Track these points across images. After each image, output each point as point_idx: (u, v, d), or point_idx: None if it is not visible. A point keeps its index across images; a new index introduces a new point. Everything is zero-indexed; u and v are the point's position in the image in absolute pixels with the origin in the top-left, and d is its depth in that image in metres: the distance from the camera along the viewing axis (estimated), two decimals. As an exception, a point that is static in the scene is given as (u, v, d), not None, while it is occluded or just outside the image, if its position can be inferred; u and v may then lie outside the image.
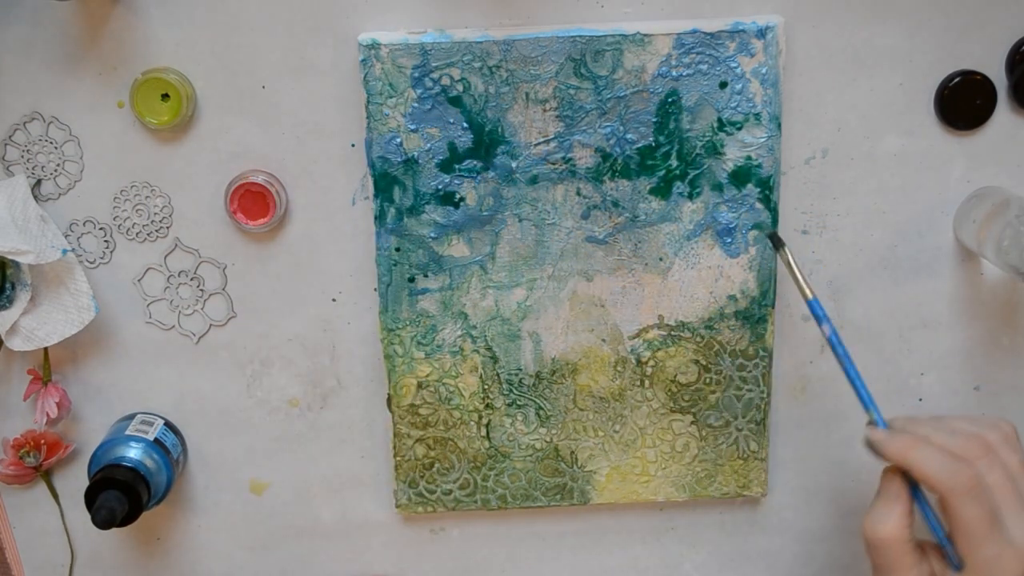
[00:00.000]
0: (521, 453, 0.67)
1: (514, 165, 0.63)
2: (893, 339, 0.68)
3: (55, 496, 0.69)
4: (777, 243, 0.62)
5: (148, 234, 0.65)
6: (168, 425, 0.67)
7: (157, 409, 0.68)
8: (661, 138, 0.62)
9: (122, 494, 0.61)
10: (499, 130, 0.62)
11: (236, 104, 0.63)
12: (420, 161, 0.62)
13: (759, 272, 0.65)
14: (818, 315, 0.60)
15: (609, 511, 0.70)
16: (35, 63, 0.62)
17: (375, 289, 0.65)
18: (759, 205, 0.63)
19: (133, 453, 0.64)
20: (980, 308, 0.67)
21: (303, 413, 0.68)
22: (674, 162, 0.63)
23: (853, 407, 0.68)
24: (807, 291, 0.60)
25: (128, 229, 0.65)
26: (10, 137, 0.64)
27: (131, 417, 0.67)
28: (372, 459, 0.69)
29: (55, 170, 0.64)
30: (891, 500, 0.56)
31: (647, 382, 0.66)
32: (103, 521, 0.61)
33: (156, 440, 0.65)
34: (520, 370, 0.66)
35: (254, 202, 0.63)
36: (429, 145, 0.62)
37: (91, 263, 0.65)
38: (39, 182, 0.64)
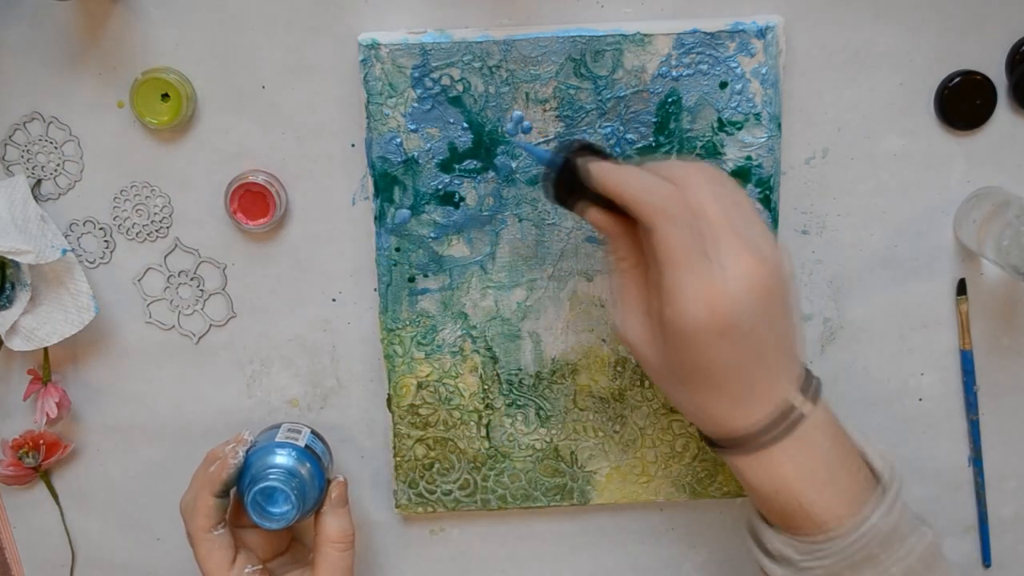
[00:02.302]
0: (521, 453, 0.67)
1: (514, 165, 0.63)
2: (893, 339, 0.68)
3: (55, 496, 0.69)
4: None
5: (148, 234, 0.65)
6: (315, 433, 0.66)
7: (157, 409, 0.68)
8: (661, 138, 0.62)
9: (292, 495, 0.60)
10: (499, 130, 0.62)
11: (236, 104, 0.63)
12: (420, 161, 0.62)
13: (759, 272, 0.65)
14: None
15: (609, 511, 0.70)
16: (35, 63, 0.62)
17: (375, 289, 0.65)
18: (759, 205, 0.63)
19: (285, 460, 0.61)
20: (980, 308, 0.67)
21: (303, 413, 0.68)
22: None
23: (853, 407, 0.69)
24: None
25: (128, 229, 0.65)
26: (10, 137, 0.64)
27: (277, 426, 0.65)
28: (372, 459, 0.69)
29: (55, 170, 0.64)
30: (626, 297, 0.55)
31: (647, 382, 0.66)
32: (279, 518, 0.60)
33: (307, 447, 0.63)
34: (520, 370, 0.66)
35: (254, 202, 0.63)
36: (429, 145, 0.62)
37: (91, 263, 0.65)
38: (39, 182, 0.64)
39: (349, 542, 0.62)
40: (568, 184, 0.56)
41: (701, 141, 0.62)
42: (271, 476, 0.60)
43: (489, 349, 0.66)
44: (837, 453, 0.55)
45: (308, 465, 0.62)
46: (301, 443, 0.63)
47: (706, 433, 0.56)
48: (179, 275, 0.66)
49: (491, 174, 0.63)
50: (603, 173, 0.54)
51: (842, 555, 0.54)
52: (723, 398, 0.53)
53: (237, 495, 0.62)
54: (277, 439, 0.63)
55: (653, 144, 0.62)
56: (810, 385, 0.55)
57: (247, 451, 0.62)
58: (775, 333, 0.52)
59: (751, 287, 0.50)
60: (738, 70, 0.61)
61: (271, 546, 0.65)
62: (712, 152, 0.63)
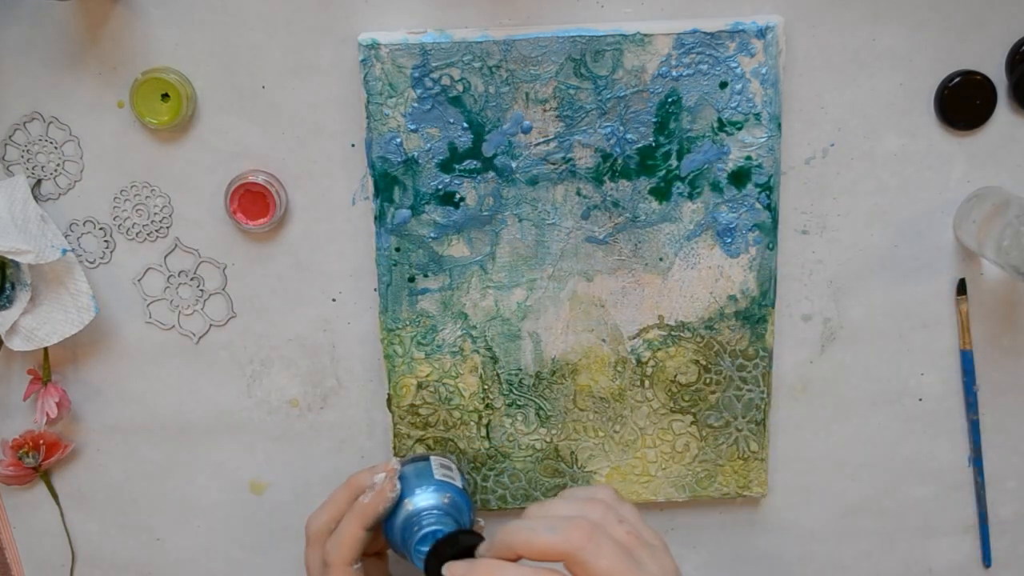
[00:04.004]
0: (521, 453, 0.67)
1: (514, 165, 0.63)
2: (893, 339, 0.68)
3: (55, 496, 0.69)
4: None
5: (148, 234, 0.65)
6: (457, 467, 0.64)
7: (157, 409, 0.68)
8: (661, 138, 0.62)
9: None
10: (499, 130, 0.62)
11: (236, 104, 0.63)
12: (420, 161, 0.62)
13: (759, 272, 0.65)
14: None
15: (609, 511, 0.70)
16: (35, 63, 0.62)
17: (375, 289, 0.65)
18: (759, 205, 0.63)
19: (448, 500, 0.59)
20: (980, 308, 0.67)
21: (303, 413, 0.68)
22: (674, 162, 0.63)
23: (853, 407, 0.69)
24: None
25: (128, 229, 0.65)
26: (10, 137, 0.64)
27: (424, 458, 0.63)
28: (372, 459, 0.69)
29: (55, 170, 0.64)
30: None
31: (647, 382, 0.66)
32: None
33: (463, 488, 0.61)
34: (520, 370, 0.66)
35: (254, 202, 0.63)
36: (429, 145, 0.62)
37: (91, 263, 0.65)
38: (39, 182, 0.64)
39: None
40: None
41: (701, 141, 0.62)
42: (439, 520, 0.58)
43: (489, 349, 0.66)
44: None
45: (464, 507, 0.60)
46: (459, 483, 0.61)
47: None
48: (179, 275, 0.66)
49: (491, 174, 0.63)
50: (500, 546, 0.51)
51: None
52: None
53: (383, 528, 0.60)
54: (436, 477, 0.60)
55: (653, 144, 0.62)
56: None
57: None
58: None
59: None
60: (738, 70, 0.61)
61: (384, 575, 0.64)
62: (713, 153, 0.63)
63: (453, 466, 0.63)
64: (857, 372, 0.68)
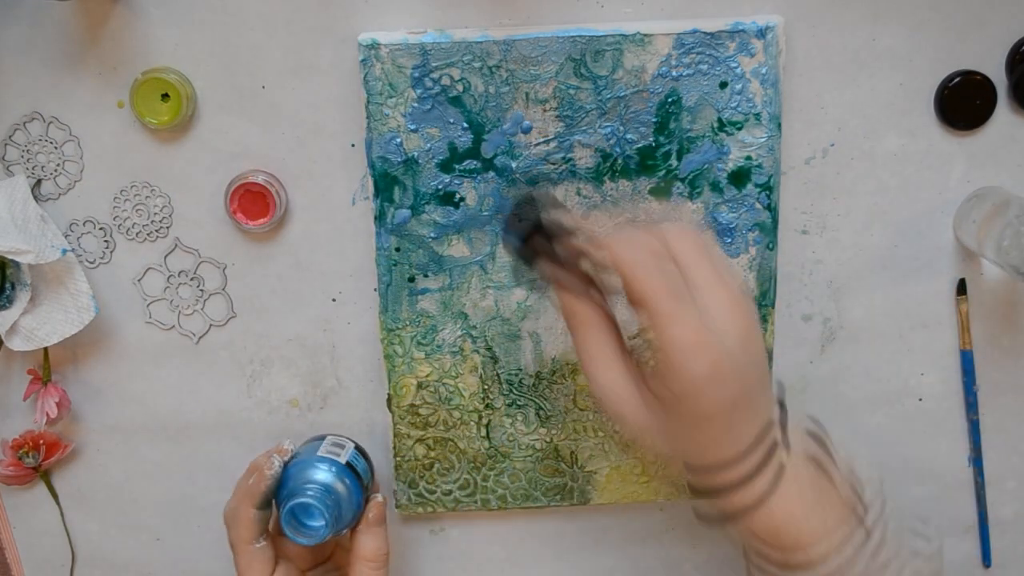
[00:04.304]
0: (521, 453, 0.67)
1: (514, 165, 0.63)
2: (893, 339, 0.68)
3: (55, 496, 0.69)
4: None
5: (148, 234, 0.65)
6: (358, 449, 0.65)
7: (157, 409, 0.68)
8: (661, 138, 0.62)
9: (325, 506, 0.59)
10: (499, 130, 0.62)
11: (236, 104, 0.63)
12: (420, 161, 0.62)
13: (759, 272, 0.65)
14: None
15: (609, 511, 0.70)
16: (35, 63, 0.62)
17: (375, 289, 0.65)
18: (759, 205, 0.63)
19: (323, 476, 0.60)
20: (980, 308, 0.67)
21: (303, 413, 0.68)
22: (674, 162, 0.63)
23: (853, 407, 0.69)
24: None
25: (128, 229, 0.65)
26: (10, 137, 0.64)
27: (321, 438, 0.64)
28: (372, 459, 0.69)
29: (55, 170, 0.64)
30: (593, 357, 0.53)
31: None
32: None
33: (348, 464, 0.62)
34: (520, 370, 0.66)
35: (254, 202, 0.63)
36: (429, 145, 0.62)
37: (91, 263, 0.65)
38: (39, 182, 0.64)
39: (383, 561, 0.62)
40: (519, 235, 0.55)
41: (701, 141, 0.62)
42: (308, 492, 0.59)
43: (489, 349, 0.66)
44: (819, 487, 0.55)
45: (347, 482, 0.61)
46: (343, 459, 0.62)
47: (692, 471, 0.55)
48: (179, 275, 0.66)
49: (491, 174, 0.63)
50: (575, 242, 0.53)
51: None
52: (711, 439, 0.52)
53: (276, 506, 0.61)
54: (319, 453, 0.62)
55: (653, 144, 0.62)
56: (783, 414, 0.55)
57: (287, 462, 0.61)
58: (759, 372, 0.52)
59: (741, 334, 0.50)
60: (738, 70, 0.61)
61: (312, 556, 0.65)
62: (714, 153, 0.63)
63: (348, 444, 0.64)
64: (857, 372, 0.68)
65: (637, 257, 0.50)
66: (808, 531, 0.53)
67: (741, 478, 0.52)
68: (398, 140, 0.62)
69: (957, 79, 0.63)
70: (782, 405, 0.56)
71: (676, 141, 0.62)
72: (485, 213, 0.63)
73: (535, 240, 0.55)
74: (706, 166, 0.63)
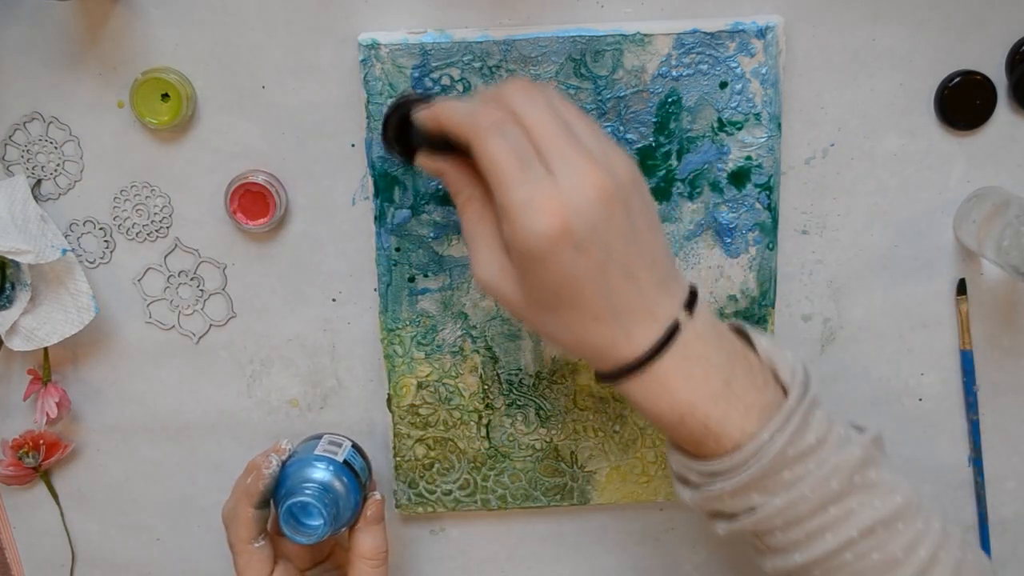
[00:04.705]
0: (521, 453, 0.67)
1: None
2: (893, 339, 0.68)
3: (55, 496, 0.69)
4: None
5: (148, 234, 0.65)
6: (356, 447, 0.64)
7: (157, 409, 0.68)
8: (661, 138, 0.62)
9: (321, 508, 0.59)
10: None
11: (236, 104, 0.63)
12: (420, 161, 0.62)
13: (759, 272, 0.65)
14: None
15: (609, 511, 0.70)
16: (35, 63, 0.62)
17: (375, 289, 0.65)
18: (759, 205, 0.63)
19: (321, 475, 0.60)
20: (980, 308, 0.67)
21: (303, 413, 0.68)
22: (674, 162, 0.63)
23: (853, 407, 0.69)
24: None
25: (128, 229, 0.65)
26: (10, 137, 0.64)
27: (318, 437, 0.64)
28: (372, 459, 0.69)
29: (55, 170, 0.64)
30: (477, 236, 0.52)
31: (647, 382, 0.66)
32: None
33: (345, 462, 0.62)
34: (520, 370, 0.66)
35: (254, 202, 0.63)
36: (429, 145, 0.62)
37: (91, 263, 0.65)
38: (39, 182, 0.64)
39: (382, 559, 0.61)
40: (405, 139, 0.56)
41: (701, 142, 0.62)
42: (306, 490, 0.59)
43: (489, 349, 0.66)
44: (730, 365, 0.51)
45: (345, 480, 0.61)
46: (340, 458, 0.62)
47: (597, 368, 0.52)
48: (179, 275, 0.66)
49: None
50: (428, 112, 0.53)
51: (735, 475, 0.50)
52: (596, 322, 0.50)
53: (274, 505, 0.61)
54: (316, 452, 0.62)
55: (653, 144, 0.62)
56: (692, 301, 0.51)
57: (285, 461, 0.61)
58: (640, 247, 0.49)
59: (594, 196, 0.47)
60: (738, 70, 0.61)
61: (311, 554, 0.65)
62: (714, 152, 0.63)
63: (346, 443, 0.64)
64: (857, 372, 0.68)
65: (480, 124, 0.49)
66: (730, 418, 0.50)
67: (640, 364, 0.50)
68: (398, 140, 0.62)
69: (957, 79, 0.63)
70: (694, 293, 0.52)
71: (676, 141, 0.62)
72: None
73: (410, 136, 0.55)
74: (706, 166, 0.63)
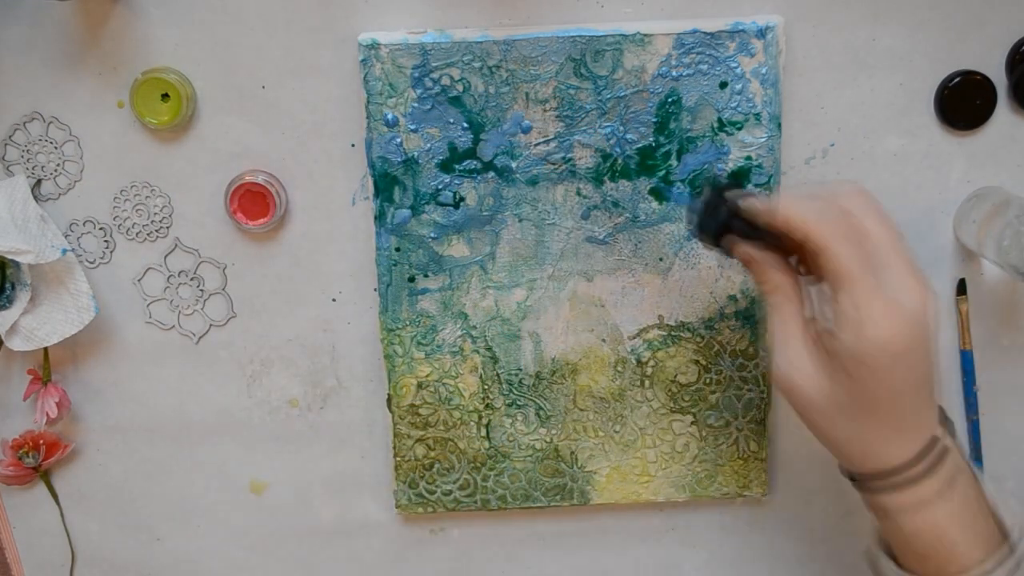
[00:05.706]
0: (521, 453, 0.67)
1: (514, 165, 0.63)
2: (893, 339, 0.68)
3: (55, 496, 0.69)
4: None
5: (148, 234, 0.65)
6: None
7: (157, 409, 0.68)
8: (661, 138, 0.62)
9: None
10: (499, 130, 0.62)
11: (236, 104, 0.63)
12: (420, 161, 0.62)
13: (759, 272, 0.65)
14: None
15: (609, 511, 0.70)
16: (35, 63, 0.62)
17: (375, 289, 0.65)
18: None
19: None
20: (980, 308, 0.67)
21: (303, 413, 0.68)
22: (674, 162, 0.63)
23: (853, 407, 0.69)
24: None
25: (128, 229, 0.65)
26: (10, 137, 0.64)
27: None
28: (372, 459, 0.69)
29: (55, 170, 0.64)
30: (786, 331, 0.53)
31: (647, 382, 0.66)
32: None
33: None
34: (520, 370, 0.66)
35: (254, 202, 0.63)
36: (429, 145, 0.62)
37: (91, 263, 0.65)
38: (39, 182, 0.64)
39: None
40: (712, 222, 0.56)
41: (701, 141, 0.62)
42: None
43: (489, 349, 0.66)
44: (976, 497, 0.54)
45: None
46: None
47: (860, 469, 0.54)
48: (179, 275, 0.66)
49: (491, 174, 0.63)
50: (764, 206, 0.53)
51: None
52: (887, 428, 0.52)
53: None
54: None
55: (653, 144, 0.62)
56: (947, 422, 0.55)
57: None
58: (931, 364, 0.52)
59: (928, 312, 0.50)
60: (738, 70, 0.61)
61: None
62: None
63: None
64: (857, 372, 0.68)
65: (831, 229, 0.50)
66: (964, 543, 0.52)
67: (911, 478, 0.52)
68: (398, 140, 0.62)
69: (957, 79, 0.63)
70: (944, 414, 0.55)
71: (676, 141, 0.62)
72: (485, 213, 0.63)
73: (732, 225, 0.55)
74: (706, 166, 0.63)
